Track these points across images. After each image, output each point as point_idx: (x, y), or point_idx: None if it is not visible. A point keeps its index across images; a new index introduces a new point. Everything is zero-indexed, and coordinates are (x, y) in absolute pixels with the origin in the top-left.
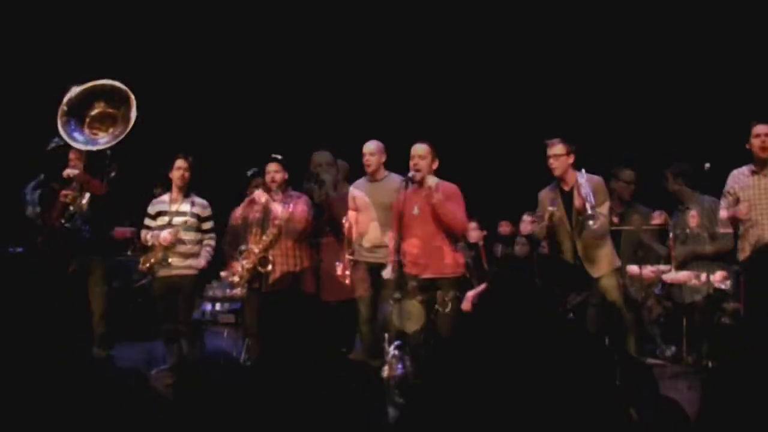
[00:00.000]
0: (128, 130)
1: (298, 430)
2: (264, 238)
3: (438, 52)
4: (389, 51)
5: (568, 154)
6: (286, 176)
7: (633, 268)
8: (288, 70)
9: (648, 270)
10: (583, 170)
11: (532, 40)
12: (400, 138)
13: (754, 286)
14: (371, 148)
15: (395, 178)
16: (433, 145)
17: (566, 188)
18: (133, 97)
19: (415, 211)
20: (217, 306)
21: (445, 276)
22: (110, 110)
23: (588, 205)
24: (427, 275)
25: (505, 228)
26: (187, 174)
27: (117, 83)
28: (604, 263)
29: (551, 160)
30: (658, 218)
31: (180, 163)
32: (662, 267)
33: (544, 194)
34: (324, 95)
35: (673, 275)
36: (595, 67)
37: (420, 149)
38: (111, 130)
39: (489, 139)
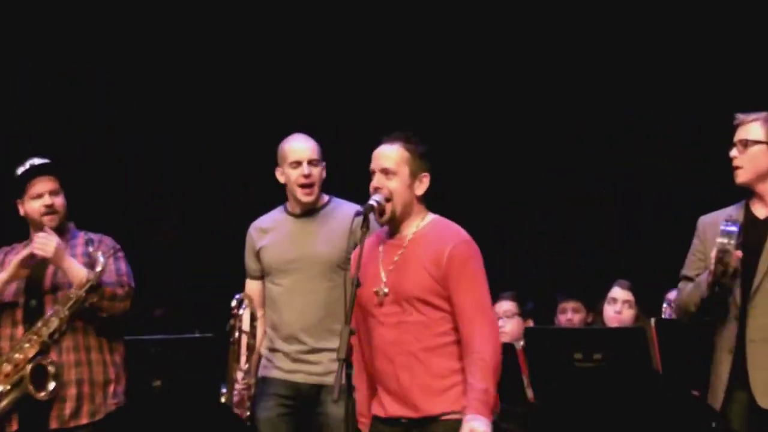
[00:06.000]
0: None
1: None
2: (32, 336)
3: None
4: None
5: None
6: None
7: None
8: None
9: None
10: None
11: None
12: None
13: None
14: (311, 148)
15: (345, 210)
16: (417, 144)
17: (760, 214)
18: None
19: (382, 289)
20: None
21: (446, 416)
22: None
23: None
24: (415, 415)
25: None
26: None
27: None
28: None
29: (733, 151)
30: None
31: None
32: None
33: (712, 219)
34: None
35: None
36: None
37: (389, 154)
38: None
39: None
